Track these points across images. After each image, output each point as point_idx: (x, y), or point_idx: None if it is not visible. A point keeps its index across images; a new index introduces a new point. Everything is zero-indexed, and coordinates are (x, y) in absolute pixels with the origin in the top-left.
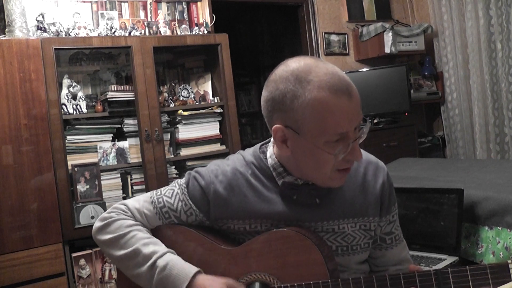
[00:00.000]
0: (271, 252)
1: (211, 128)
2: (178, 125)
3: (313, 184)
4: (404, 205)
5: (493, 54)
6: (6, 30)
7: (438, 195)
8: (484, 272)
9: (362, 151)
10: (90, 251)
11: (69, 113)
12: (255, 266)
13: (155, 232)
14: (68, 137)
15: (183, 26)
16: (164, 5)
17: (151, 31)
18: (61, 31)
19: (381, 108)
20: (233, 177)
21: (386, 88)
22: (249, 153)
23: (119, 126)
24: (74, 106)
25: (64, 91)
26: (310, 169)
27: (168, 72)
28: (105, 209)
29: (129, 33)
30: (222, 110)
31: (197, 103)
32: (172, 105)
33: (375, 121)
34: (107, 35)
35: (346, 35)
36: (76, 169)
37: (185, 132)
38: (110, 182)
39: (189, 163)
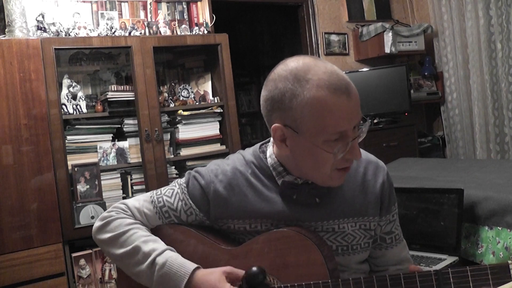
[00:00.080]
0: (271, 252)
1: (211, 128)
2: (178, 125)
3: (313, 183)
4: (404, 205)
5: (493, 54)
6: (6, 30)
7: (438, 195)
8: (484, 273)
9: (362, 151)
10: (90, 251)
11: (69, 113)
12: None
13: (155, 231)
14: (68, 137)
15: (183, 26)
16: (164, 5)
17: (151, 31)
18: (61, 31)
19: (381, 108)
20: (233, 177)
21: (386, 88)
22: (249, 152)
23: (119, 126)
24: (74, 106)
25: (64, 91)
26: (310, 168)
27: (168, 72)
28: (105, 209)
29: (129, 33)
30: (222, 110)
31: (197, 103)
32: (172, 105)
33: (375, 121)
34: (107, 35)
35: (346, 35)
36: (76, 169)
37: (185, 132)
38: (110, 182)
39: (189, 163)
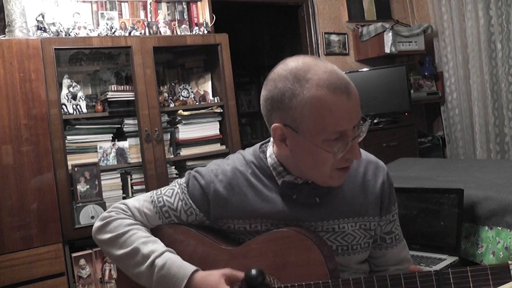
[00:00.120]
0: (271, 252)
1: (211, 128)
2: (178, 125)
3: (313, 183)
4: (404, 205)
5: (493, 54)
6: (6, 30)
7: (438, 195)
8: (484, 273)
9: (362, 151)
10: (90, 251)
11: (69, 113)
12: (255, 266)
13: (155, 231)
14: (68, 137)
15: (183, 26)
16: (164, 5)
17: (151, 31)
18: (61, 31)
19: (381, 108)
20: (233, 177)
21: (386, 88)
22: (249, 152)
23: (119, 126)
24: (74, 106)
25: (64, 91)
26: (309, 167)
27: (168, 72)
28: (105, 209)
29: (129, 33)
30: (222, 110)
31: (197, 103)
32: (172, 105)
33: (375, 121)
34: (107, 35)
35: (346, 35)
36: (76, 169)
37: (185, 132)
38: (110, 182)
39: (189, 163)
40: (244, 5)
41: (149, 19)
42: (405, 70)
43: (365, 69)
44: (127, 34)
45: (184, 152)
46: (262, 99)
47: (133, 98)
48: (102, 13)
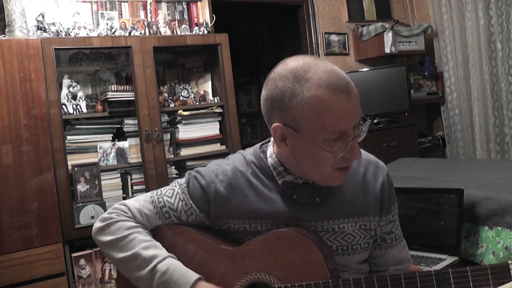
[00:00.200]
0: (271, 252)
1: (211, 128)
2: (178, 125)
3: (313, 183)
4: (404, 205)
5: (493, 54)
6: (6, 30)
7: (438, 195)
8: (484, 273)
9: (362, 151)
10: (90, 251)
11: (69, 113)
12: (255, 266)
13: (155, 231)
14: (68, 137)
15: (183, 26)
16: (164, 5)
17: (151, 31)
18: (61, 31)
19: (381, 108)
20: (233, 177)
21: (386, 88)
22: (249, 152)
23: (119, 126)
24: (74, 106)
25: (64, 91)
26: (310, 167)
27: (168, 72)
28: (105, 209)
29: (129, 33)
30: (222, 110)
31: (197, 103)
32: (172, 105)
33: (375, 121)
34: (107, 35)
35: (346, 35)
36: (76, 169)
37: (185, 132)
38: (110, 182)
39: (189, 163)
40: (244, 5)
41: (149, 19)
42: (405, 70)
43: (365, 69)
44: (127, 34)
45: (184, 152)
46: (262, 98)
47: (133, 98)
48: (102, 13)
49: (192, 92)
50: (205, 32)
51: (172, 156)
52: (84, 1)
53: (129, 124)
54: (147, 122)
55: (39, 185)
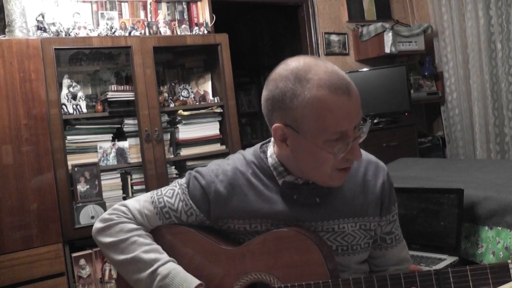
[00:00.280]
0: (271, 252)
1: (211, 128)
2: (178, 125)
3: (314, 183)
4: (404, 205)
5: (493, 54)
6: (6, 30)
7: (438, 195)
8: (484, 272)
9: (362, 151)
10: (90, 251)
11: (69, 113)
12: (255, 266)
13: (155, 232)
14: (68, 137)
15: (183, 26)
16: (164, 5)
17: (151, 31)
18: (61, 31)
19: (381, 108)
20: (233, 177)
21: (386, 88)
22: (249, 152)
23: (119, 126)
24: (74, 106)
25: (64, 91)
26: (310, 168)
27: (168, 72)
28: (105, 209)
29: (129, 33)
30: (222, 110)
31: (197, 103)
32: (172, 105)
33: (375, 121)
34: (107, 35)
35: (346, 35)
36: (76, 169)
37: (185, 132)
38: (110, 182)
39: (189, 163)
40: (244, 5)
41: (149, 19)
42: (405, 70)
43: (365, 69)
44: (127, 34)
45: (184, 152)
46: (263, 99)
47: (133, 98)
48: (102, 13)
49: (192, 92)
50: (205, 32)
51: (172, 156)
52: (84, 1)
53: (129, 124)
54: (147, 122)
55: (39, 185)
